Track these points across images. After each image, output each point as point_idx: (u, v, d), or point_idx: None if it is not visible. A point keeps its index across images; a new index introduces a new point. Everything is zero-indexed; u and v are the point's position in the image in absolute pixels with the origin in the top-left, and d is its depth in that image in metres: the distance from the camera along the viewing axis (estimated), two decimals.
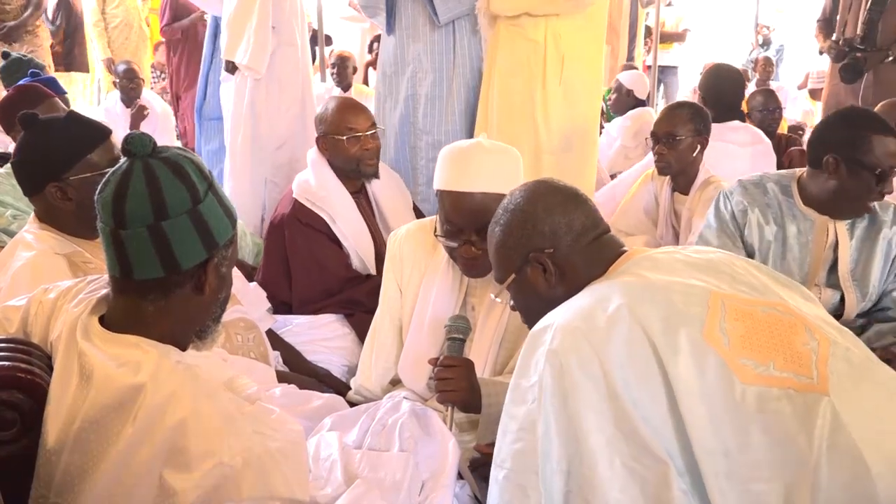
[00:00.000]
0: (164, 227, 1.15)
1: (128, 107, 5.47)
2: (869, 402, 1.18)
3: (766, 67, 7.61)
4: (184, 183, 1.17)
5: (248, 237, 3.07)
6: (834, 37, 4.32)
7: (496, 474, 1.27)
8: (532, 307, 1.39)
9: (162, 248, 1.15)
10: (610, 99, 4.97)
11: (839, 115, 2.35)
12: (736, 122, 3.61)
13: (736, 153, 3.41)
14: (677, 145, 2.84)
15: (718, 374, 1.14)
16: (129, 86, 5.43)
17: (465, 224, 1.81)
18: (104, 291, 1.26)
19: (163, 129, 5.36)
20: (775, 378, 1.15)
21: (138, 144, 1.16)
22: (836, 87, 4.42)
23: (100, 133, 1.82)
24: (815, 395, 1.13)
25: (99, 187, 1.19)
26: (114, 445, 1.09)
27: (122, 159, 1.18)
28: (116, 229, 1.15)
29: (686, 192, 2.91)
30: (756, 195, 2.30)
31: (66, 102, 3.26)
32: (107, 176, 1.19)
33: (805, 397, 1.13)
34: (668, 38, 7.81)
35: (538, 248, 1.38)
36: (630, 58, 7.19)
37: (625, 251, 1.39)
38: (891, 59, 4.10)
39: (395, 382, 2.08)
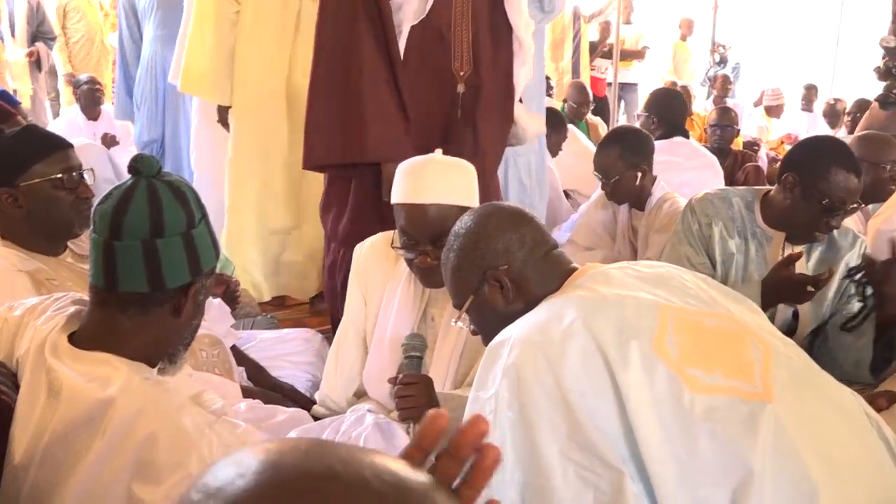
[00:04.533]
0: (157, 244, 1.18)
1: (90, 118, 5.41)
2: (810, 408, 1.24)
3: (724, 85, 7.80)
4: (183, 207, 1.21)
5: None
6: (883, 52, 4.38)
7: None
8: (492, 327, 1.40)
9: (151, 264, 1.18)
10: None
11: (815, 138, 2.40)
12: (679, 138, 3.77)
13: (682, 166, 3.55)
14: (613, 182, 2.88)
15: (667, 385, 1.19)
16: (93, 88, 5.37)
17: (421, 235, 1.86)
18: (73, 309, 1.28)
19: (124, 145, 5.32)
20: (722, 387, 1.20)
21: (146, 165, 1.21)
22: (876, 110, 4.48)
23: (54, 144, 1.86)
24: (759, 402, 1.19)
25: (99, 200, 1.23)
26: (83, 460, 1.10)
27: (128, 177, 1.22)
28: (111, 240, 1.18)
29: (643, 209, 2.98)
30: (721, 208, 2.34)
31: (22, 114, 3.25)
32: (110, 190, 1.23)
33: (750, 405, 1.18)
34: (627, 55, 7.97)
35: (493, 266, 1.42)
36: (576, 72, 7.35)
37: (574, 267, 1.44)
38: None
39: (360, 395, 2.11)
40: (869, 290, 2.15)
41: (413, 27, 2.43)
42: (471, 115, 2.55)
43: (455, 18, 2.48)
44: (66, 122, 5.58)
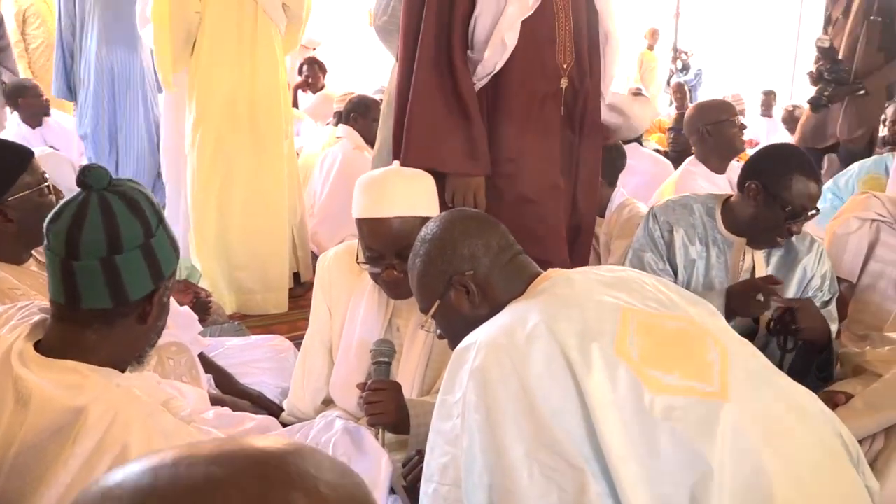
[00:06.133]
0: (116, 260, 1.17)
1: (33, 126, 5.26)
2: (767, 407, 1.27)
3: (676, 93, 7.98)
4: (138, 218, 1.19)
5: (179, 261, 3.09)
6: (815, 59, 4.51)
7: (426, 488, 1.33)
8: (458, 331, 1.42)
9: (113, 280, 1.17)
10: None
11: (775, 147, 2.47)
12: (634, 144, 3.94)
13: (635, 169, 3.70)
14: None
15: (628, 386, 1.22)
16: (37, 102, 5.23)
17: (385, 249, 1.86)
18: (38, 317, 1.27)
19: (74, 150, 5.17)
20: (681, 387, 1.23)
21: (95, 178, 1.18)
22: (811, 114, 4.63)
23: (26, 154, 1.86)
24: (717, 402, 1.22)
25: (50, 216, 1.20)
26: (53, 469, 1.10)
27: (78, 191, 1.19)
28: (68, 260, 1.16)
29: (603, 216, 3.04)
30: (682, 215, 2.40)
31: None
32: (59, 206, 1.20)
33: (708, 404, 1.22)
34: None
35: (459, 271, 1.44)
36: None
37: (539, 271, 1.47)
38: (862, 92, 4.32)
39: (328, 402, 2.12)
40: (790, 343, 2.22)
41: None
42: (571, 112, 2.41)
43: (557, 5, 2.31)
44: (12, 133, 5.40)
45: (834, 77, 4.32)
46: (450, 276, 1.45)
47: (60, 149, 5.06)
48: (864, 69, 4.35)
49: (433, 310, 1.49)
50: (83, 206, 1.17)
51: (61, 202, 1.21)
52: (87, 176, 1.18)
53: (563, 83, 2.36)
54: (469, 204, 2.27)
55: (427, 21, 2.26)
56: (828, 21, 4.63)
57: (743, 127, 3.31)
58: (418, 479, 1.64)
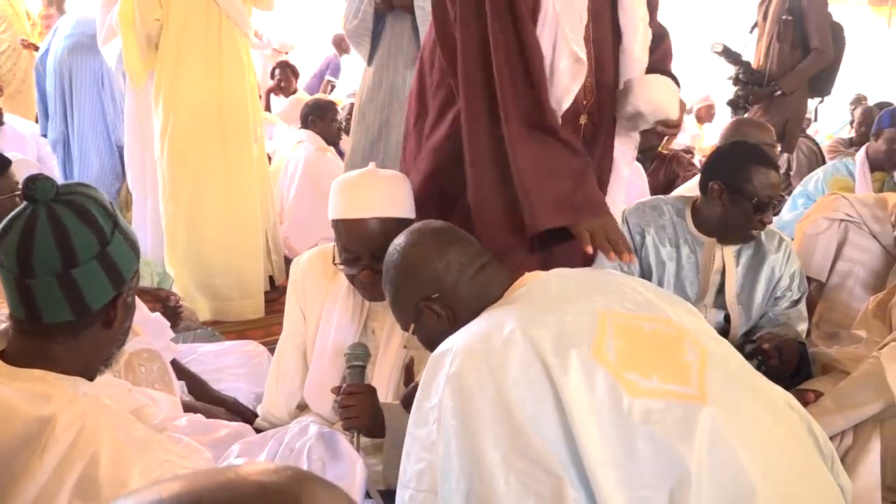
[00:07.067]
0: (73, 273, 1.14)
1: None
2: (743, 407, 1.28)
3: None
4: (90, 227, 1.15)
5: (150, 266, 3.05)
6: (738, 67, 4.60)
7: (402, 494, 1.32)
8: (440, 341, 1.39)
9: (72, 293, 1.14)
10: None
11: (728, 146, 2.53)
12: None
13: None
14: None
15: (607, 389, 1.21)
16: None
17: (362, 250, 1.86)
18: (3, 326, 1.25)
19: (31, 154, 5.04)
20: (659, 390, 1.23)
21: (41, 190, 1.13)
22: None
23: (2, 162, 1.87)
24: (695, 404, 1.22)
25: None
26: (21, 480, 1.08)
27: (24, 204, 1.15)
28: (23, 277, 1.13)
29: None
30: (652, 217, 2.43)
31: None
32: (6, 220, 1.16)
33: (686, 407, 1.22)
34: None
35: (425, 296, 1.46)
36: None
37: (515, 275, 1.47)
38: (779, 92, 4.43)
39: (302, 407, 2.11)
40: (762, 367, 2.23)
41: None
42: (590, 150, 2.14)
43: None
44: None
45: (748, 78, 4.43)
46: (416, 302, 1.47)
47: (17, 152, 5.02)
48: (780, 69, 4.46)
49: (411, 330, 1.52)
50: (31, 220, 1.13)
51: (8, 216, 1.16)
52: (32, 189, 1.13)
53: (583, 120, 2.15)
54: (613, 241, 1.90)
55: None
56: (753, 26, 4.74)
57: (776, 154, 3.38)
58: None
